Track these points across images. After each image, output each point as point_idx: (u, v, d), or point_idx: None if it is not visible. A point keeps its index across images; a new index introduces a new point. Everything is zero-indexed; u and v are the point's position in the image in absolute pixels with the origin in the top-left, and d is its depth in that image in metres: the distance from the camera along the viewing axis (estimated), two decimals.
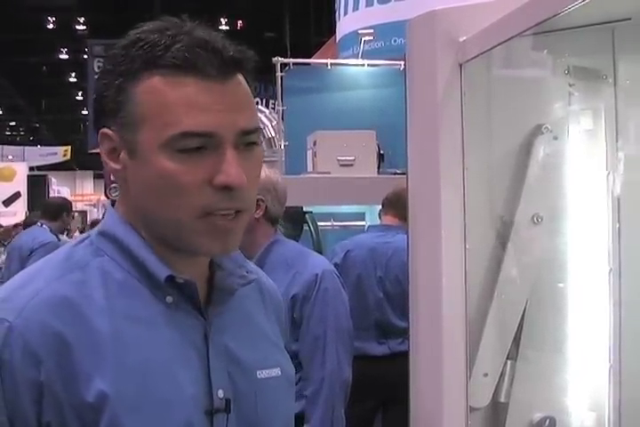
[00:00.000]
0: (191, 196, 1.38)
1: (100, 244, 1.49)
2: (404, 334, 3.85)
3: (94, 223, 17.14)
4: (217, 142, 1.38)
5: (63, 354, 1.35)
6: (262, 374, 1.54)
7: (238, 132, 1.40)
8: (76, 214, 29.42)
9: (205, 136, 1.37)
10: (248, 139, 1.42)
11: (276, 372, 1.58)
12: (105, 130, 1.45)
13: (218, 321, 1.50)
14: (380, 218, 5.62)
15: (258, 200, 3.40)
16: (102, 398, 1.34)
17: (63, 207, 8.98)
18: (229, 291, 1.53)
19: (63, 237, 9.58)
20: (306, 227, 6.02)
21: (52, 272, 1.44)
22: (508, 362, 1.99)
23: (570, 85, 2.03)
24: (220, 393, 1.45)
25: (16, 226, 17.39)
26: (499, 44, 1.84)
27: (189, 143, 1.37)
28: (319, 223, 6.37)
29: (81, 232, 15.51)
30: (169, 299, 1.45)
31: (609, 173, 2.01)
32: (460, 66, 1.96)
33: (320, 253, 5.43)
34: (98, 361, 1.36)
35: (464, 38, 1.95)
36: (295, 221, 5.51)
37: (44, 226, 8.55)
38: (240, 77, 1.44)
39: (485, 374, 1.98)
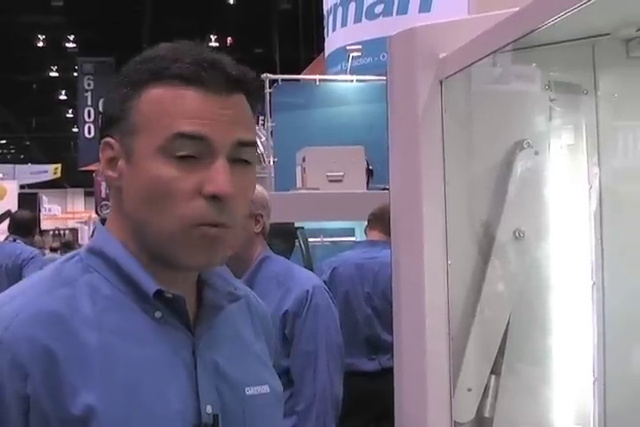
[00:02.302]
0: (181, 204, 1.40)
1: (89, 260, 1.50)
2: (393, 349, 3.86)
3: (67, 244, 17.19)
4: (211, 150, 1.40)
5: (50, 367, 1.36)
6: (251, 390, 1.54)
7: (234, 141, 1.42)
8: (68, 232, 29.44)
9: (199, 139, 1.40)
10: (243, 153, 1.44)
11: (264, 389, 1.58)
12: (107, 139, 1.48)
13: (206, 337, 1.50)
14: (365, 234, 5.63)
15: (257, 215, 3.44)
16: (89, 412, 1.34)
17: (33, 222, 8.96)
18: (218, 307, 1.54)
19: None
20: (296, 243, 6.03)
21: (41, 288, 1.45)
22: (492, 377, 1.99)
23: (551, 100, 2.03)
24: (209, 409, 1.45)
25: None
26: (478, 61, 1.85)
27: (183, 147, 1.39)
28: (309, 239, 6.39)
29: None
30: (157, 314, 1.46)
31: (590, 188, 2.02)
32: (441, 82, 1.98)
33: (310, 268, 5.44)
34: (85, 375, 1.37)
35: (444, 55, 1.97)
36: (287, 236, 5.52)
37: (17, 241, 8.35)
38: (242, 98, 1.46)
39: (469, 389, 1.98)
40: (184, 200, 1.40)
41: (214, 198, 1.39)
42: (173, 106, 1.41)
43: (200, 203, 1.40)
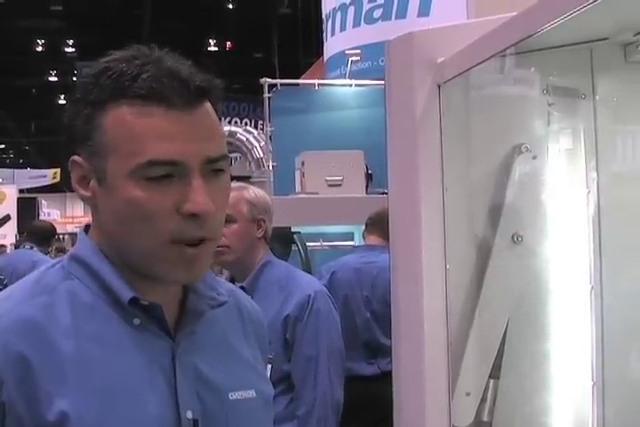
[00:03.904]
0: (158, 223, 1.40)
1: (71, 267, 1.51)
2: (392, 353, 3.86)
3: (59, 249, 17.29)
4: (184, 170, 1.40)
5: (25, 375, 1.37)
6: (235, 395, 1.55)
7: (204, 160, 1.41)
8: (67, 237, 29.42)
9: (171, 164, 1.39)
10: (215, 166, 1.44)
11: (250, 393, 1.58)
12: (75, 157, 1.48)
13: (187, 343, 1.51)
14: (363, 238, 5.63)
15: (259, 220, 3.44)
16: (63, 419, 1.35)
17: (53, 232, 9.30)
18: (199, 312, 1.54)
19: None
20: (294, 247, 6.02)
21: (21, 295, 1.47)
22: (491, 381, 1.99)
23: (549, 105, 2.04)
24: (189, 414, 1.45)
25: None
26: (476, 65, 1.85)
27: (156, 171, 1.39)
28: (308, 243, 6.38)
29: None
30: (136, 321, 1.47)
31: (588, 192, 2.02)
32: (439, 86, 1.98)
33: (309, 273, 5.44)
34: (60, 382, 1.38)
35: (442, 59, 1.97)
36: (284, 241, 5.52)
37: (34, 248, 8.69)
38: (207, 106, 1.45)
39: (468, 393, 1.98)
40: (162, 219, 1.40)
41: (194, 216, 1.40)
42: (139, 129, 1.40)
43: (178, 220, 1.40)
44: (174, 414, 1.44)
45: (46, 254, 9.08)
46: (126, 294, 1.45)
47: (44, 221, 11.35)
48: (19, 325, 1.40)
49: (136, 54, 1.44)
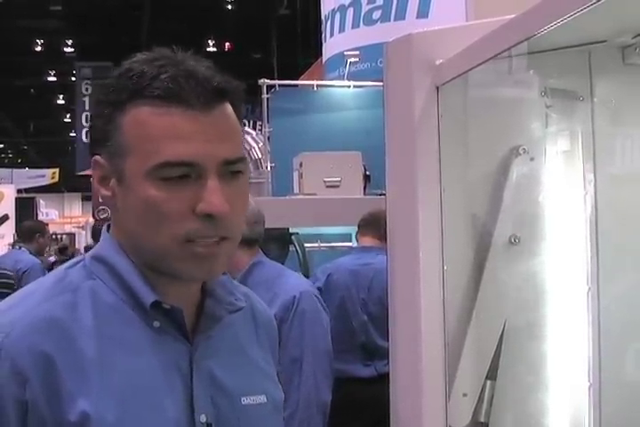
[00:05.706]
0: (174, 223, 1.41)
1: (93, 267, 1.53)
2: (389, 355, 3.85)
3: (62, 249, 17.25)
4: (199, 171, 1.41)
5: (49, 374, 1.38)
6: (247, 400, 1.56)
7: (221, 161, 1.42)
8: (65, 236, 29.39)
9: (187, 165, 1.40)
10: (233, 168, 1.45)
11: (261, 399, 1.59)
12: (97, 157, 1.50)
13: (204, 347, 1.52)
14: (356, 240, 5.62)
15: None
16: (84, 418, 1.37)
17: (35, 229, 9.58)
18: (216, 317, 1.55)
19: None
20: (292, 248, 6.02)
21: (44, 293, 1.48)
22: (488, 382, 1.99)
23: (547, 107, 2.04)
24: (203, 418, 1.47)
25: None
26: (475, 67, 1.85)
27: (172, 172, 1.40)
28: (306, 245, 6.38)
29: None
30: (156, 324, 1.48)
31: (586, 194, 2.02)
32: (437, 88, 1.98)
33: (307, 274, 5.44)
34: (82, 382, 1.39)
35: (440, 61, 1.97)
36: (281, 242, 5.52)
37: (22, 248, 9.05)
38: (226, 107, 1.46)
39: (465, 394, 1.98)
40: (177, 219, 1.41)
41: (209, 217, 1.41)
42: (156, 129, 1.41)
43: (193, 221, 1.41)
44: (189, 417, 1.46)
45: (43, 251, 9.37)
46: (149, 297, 1.46)
47: (31, 220, 11.82)
48: (42, 324, 1.41)
49: (158, 56, 1.46)
